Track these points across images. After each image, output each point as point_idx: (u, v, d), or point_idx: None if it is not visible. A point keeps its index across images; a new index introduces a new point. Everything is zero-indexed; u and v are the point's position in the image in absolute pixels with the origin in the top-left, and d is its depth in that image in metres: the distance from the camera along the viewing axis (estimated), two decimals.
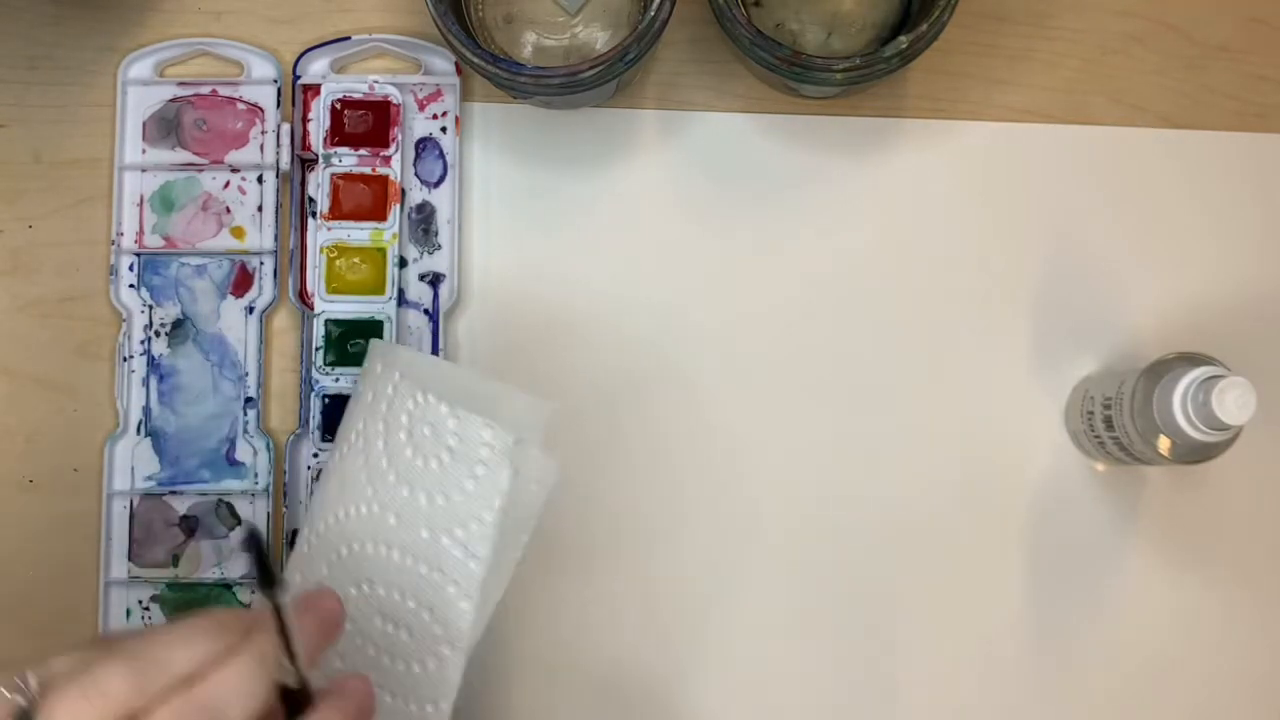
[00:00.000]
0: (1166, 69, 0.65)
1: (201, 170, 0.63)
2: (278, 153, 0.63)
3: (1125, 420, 0.56)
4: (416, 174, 0.64)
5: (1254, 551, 0.63)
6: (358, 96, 0.63)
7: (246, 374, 0.62)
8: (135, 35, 0.64)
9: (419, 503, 0.49)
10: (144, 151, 0.63)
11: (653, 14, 0.55)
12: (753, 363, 0.63)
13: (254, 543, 0.38)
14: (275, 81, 0.64)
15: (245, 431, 0.62)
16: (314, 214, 0.63)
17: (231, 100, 0.64)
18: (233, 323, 0.63)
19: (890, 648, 0.62)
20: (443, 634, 0.49)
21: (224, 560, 0.62)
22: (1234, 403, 0.51)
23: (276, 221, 0.63)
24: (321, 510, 0.51)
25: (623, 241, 0.64)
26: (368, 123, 0.63)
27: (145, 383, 0.62)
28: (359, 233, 0.62)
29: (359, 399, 0.52)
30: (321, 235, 0.62)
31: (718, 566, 0.62)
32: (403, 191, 0.63)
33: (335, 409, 0.62)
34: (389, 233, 0.62)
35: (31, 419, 0.63)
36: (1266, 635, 0.63)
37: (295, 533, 0.61)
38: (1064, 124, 0.65)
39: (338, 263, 0.62)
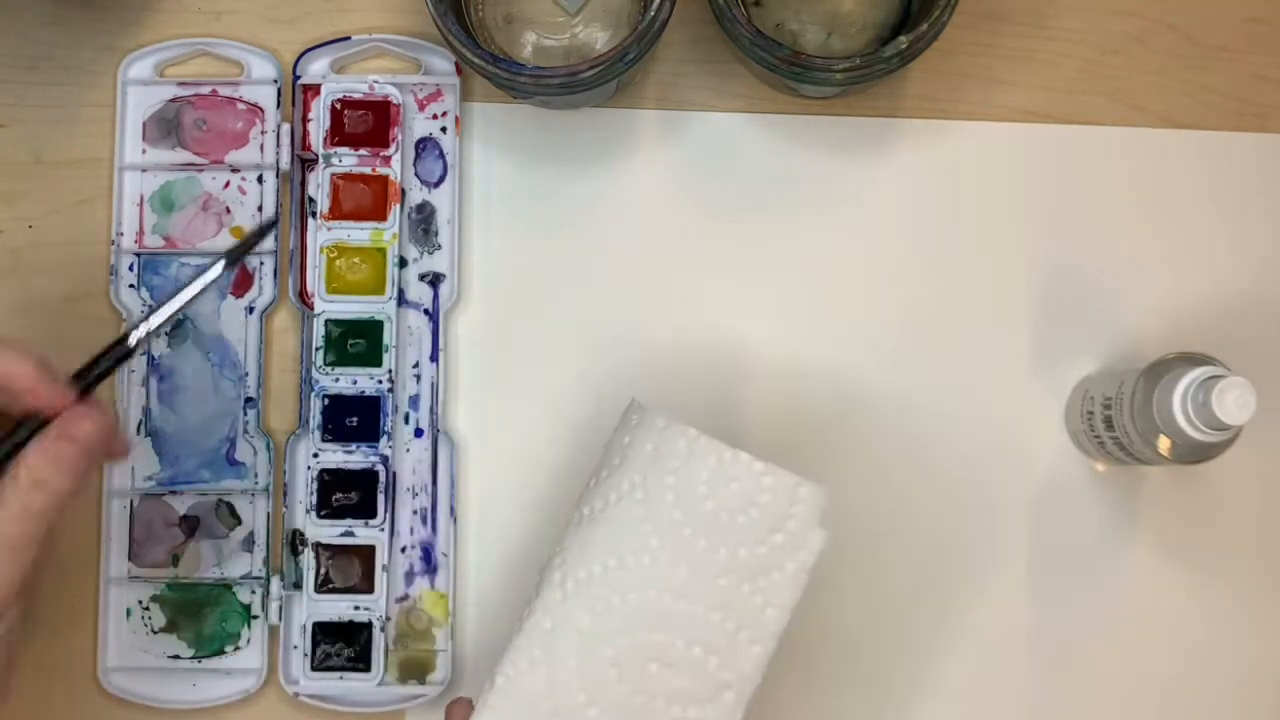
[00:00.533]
0: (1166, 69, 0.65)
1: (201, 170, 0.63)
2: (278, 153, 0.63)
3: (1125, 420, 0.57)
4: (416, 174, 0.64)
5: (1254, 551, 0.63)
6: (358, 96, 0.63)
7: (246, 374, 0.62)
8: (135, 35, 0.64)
9: (717, 555, 0.50)
10: (144, 151, 0.63)
11: (653, 14, 0.56)
12: (753, 361, 0.63)
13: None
14: (275, 81, 0.64)
15: (245, 431, 0.62)
16: (314, 214, 0.63)
17: (231, 100, 0.64)
18: (233, 323, 0.63)
19: (889, 647, 0.62)
20: (728, 678, 0.50)
21: (224, 560, 0.62)
22: (1234, 403, 0.51)
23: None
24: (583, 559, 0.51)
25: (623, 241, 0.64)
26: (368, 123, 0.63)
27: (145, 383, 0.62)
28: (359, 233, 0.62)
29: (635, 450, 0.52)
30: (321, 235, 0.62)
31: None
32: (403, 191, 0.63)
33: (335, 409, 0.62)
34: (389, 233, 0.62)
35: None
36: (1267, 635, 0.63)
37: (295, 533, 0.61)
38: (1064, 124, 0.65)
39: (338, 263, 0.62)
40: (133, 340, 0.51)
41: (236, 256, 0.52)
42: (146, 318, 0.51)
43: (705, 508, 0.50)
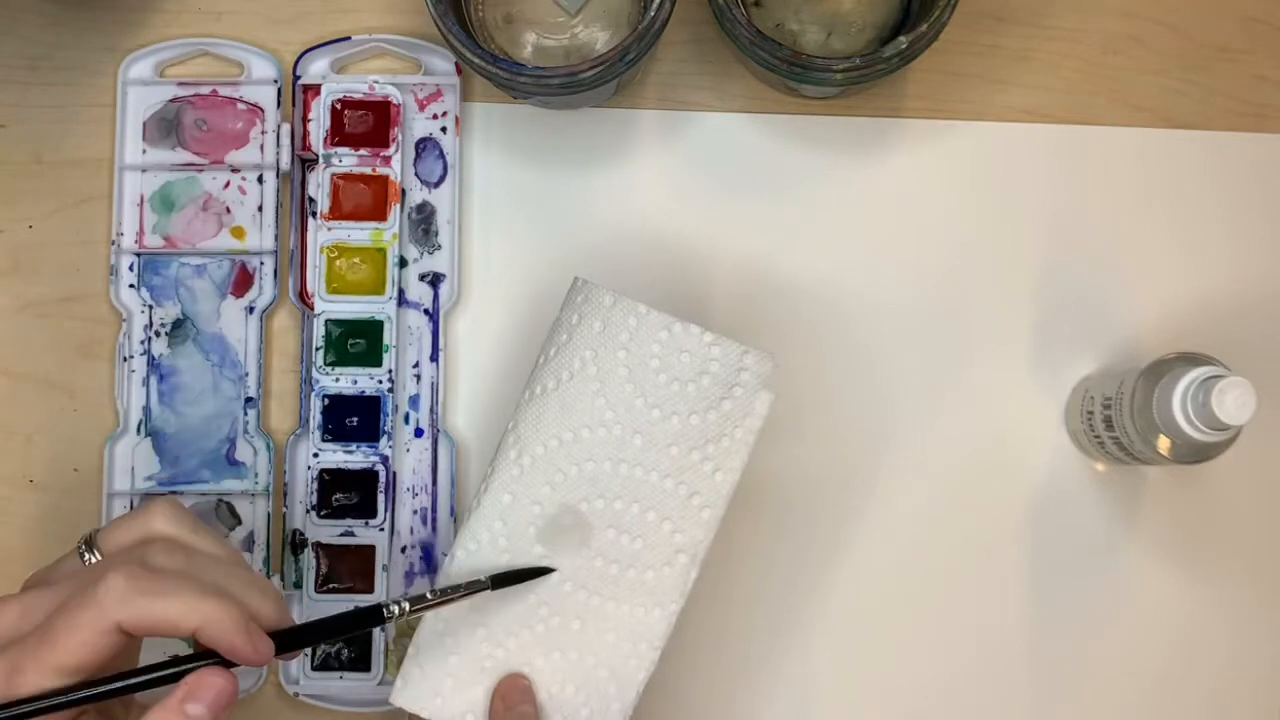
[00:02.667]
0: (1166, 69, 0.65)
1: (201, 170, 0.63)
2: (278, 153, 0.63)
3: (1125, 420, 0.56)
4: (416, 174, 0.64)
5: (1254, 551, 0.63)
6: (358, 96, 0.63)
7: (246, 374, 0.62)
8: (135, 35, 0.64)
9: (670, 424, 0.54)
10: (144, 151, 0.63)
11: (653, 14, 0.55)
12: None
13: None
14: (275, 81, 0.64)
15: (245, 431, 0.62)
16: (314, 214, 0.63)
17: (232, 100, 0.64)
18: (233, 323, 0.63)
19: (890, 647, 0.62)
20: (682, 541, 0.53)
21: None
22: (1234, 403, 0.51)
23: (276, 221, 0.63)
24: (538, 434, 0.54)
25: (622, 242, 0.64)
26: (368, 123, 0.63)
27: (145, 383, 0.62)
28: (359, 233, 0.62)
29: (583, 328, 0.54)
30: (321, 235, 0.62)
31: (706, 567, 0.62)
32: (403, 191, 0.63)
33: (335, 409, 0.62)
34: (389, 233, 0.62)
35: (31, 419, 0.63)
36: (1267, 635, 0.63)
37: (295, 533, 0.61)
38: (1064, 124, 0.65)
39: (338, 263, 0.62)
40: (392, 611, 0.49)
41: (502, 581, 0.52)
42: (406, 597, 0.50)
43: (658, 379, 0.54)
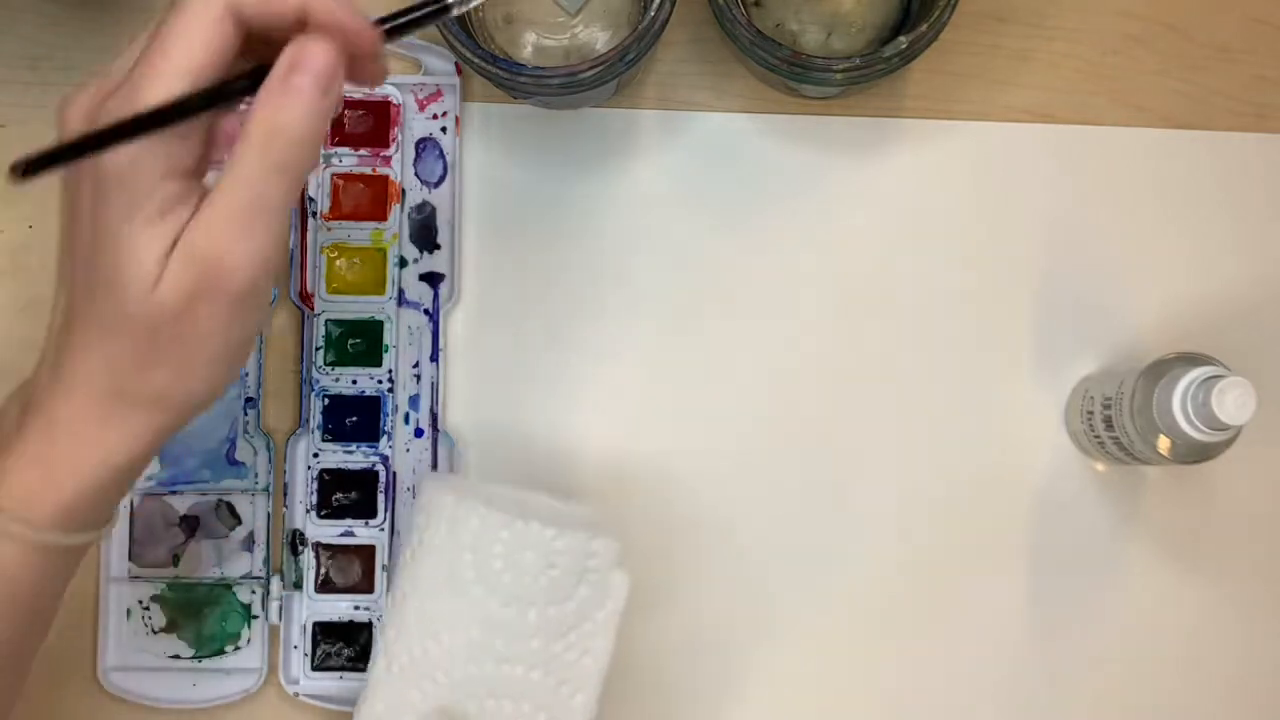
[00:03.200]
0: (1166, 69, 0.65)
1: None
2: None
3: (1125, 420, 0.56)
4: (416, 174, 0.64)
5: (1254, 551, 0.63)
6: (358, 96, 0.63)
7: (246, 374, 0.62)
8: (135, 35, 0.64)
9: (527, 619, 0.53)
10: None
11: (653, 14, 0.55)
12: (752, 361, 0.63)
13: None
14: None
15: (245, 431, 0.62)
16: (314, 214, 0.63)
17: None
18: None
19: (890, 648, 0.62)
20: None
21: (224, 560, 0.62)
22: (1234, 403, 0.51)
23: None
24: (402, 642, 0.53)
25: (622, 242, 0.64)
26: (368, 123, 0.63)
27: None
28: (359, 233, 0.62)
29: (431, 531, 0.54)
30: (321, 235, 0.62)
31: (707, 565, 0.62)
32: (403, 191, 0.63)
33: (335, 409, 0.62)
34: (389, 233, 0.62)
35: None
36: (1267, 635, 0.63)
37: (295, 533, 0.61)
38: (1064, 124, 0.65)
39: (338, 263, 0.62)
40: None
41: None
42: None
43: (504, 578, 0.52)
